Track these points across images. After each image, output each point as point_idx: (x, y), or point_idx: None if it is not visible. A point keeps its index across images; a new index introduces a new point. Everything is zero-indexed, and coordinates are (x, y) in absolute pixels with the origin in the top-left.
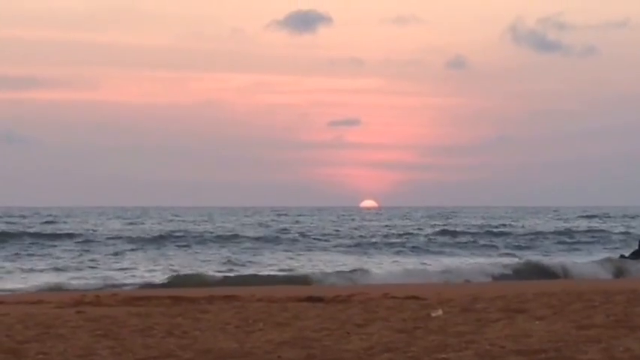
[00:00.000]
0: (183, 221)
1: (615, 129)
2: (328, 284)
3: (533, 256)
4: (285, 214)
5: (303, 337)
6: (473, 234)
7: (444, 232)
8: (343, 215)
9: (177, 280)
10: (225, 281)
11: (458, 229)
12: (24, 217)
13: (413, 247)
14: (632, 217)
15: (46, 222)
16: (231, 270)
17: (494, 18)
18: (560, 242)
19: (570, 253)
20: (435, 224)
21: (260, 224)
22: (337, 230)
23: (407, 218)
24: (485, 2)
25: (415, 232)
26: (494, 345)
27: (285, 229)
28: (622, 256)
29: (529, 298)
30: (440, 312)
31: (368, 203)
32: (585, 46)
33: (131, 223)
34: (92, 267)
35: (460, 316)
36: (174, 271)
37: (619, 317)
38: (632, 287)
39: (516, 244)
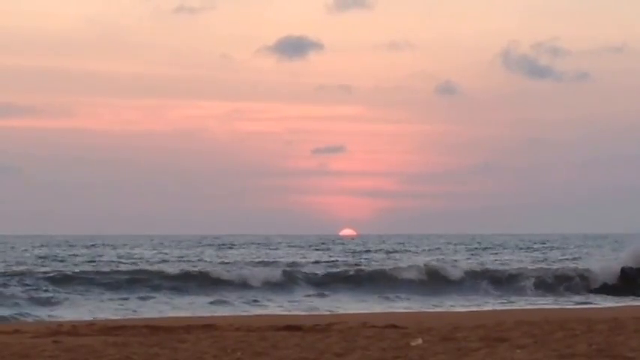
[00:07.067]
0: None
1: (608, 158)
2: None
3: None
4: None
5: None
6: None
7: None
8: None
9: None
10: None
11: None
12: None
13: None
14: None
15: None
16: None
17: (487, 43)
18: None
19: None
20: None
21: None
22: None
23: None
24: (479, 27)
25: None
26: None
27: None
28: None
29: (510, 327)
30: (420, 341)
31: (347, 232)
32: (579, 72)
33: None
34: None
35: (440, 345)
36: None
37: (601, 346)
38: (614, 316)
39: None
